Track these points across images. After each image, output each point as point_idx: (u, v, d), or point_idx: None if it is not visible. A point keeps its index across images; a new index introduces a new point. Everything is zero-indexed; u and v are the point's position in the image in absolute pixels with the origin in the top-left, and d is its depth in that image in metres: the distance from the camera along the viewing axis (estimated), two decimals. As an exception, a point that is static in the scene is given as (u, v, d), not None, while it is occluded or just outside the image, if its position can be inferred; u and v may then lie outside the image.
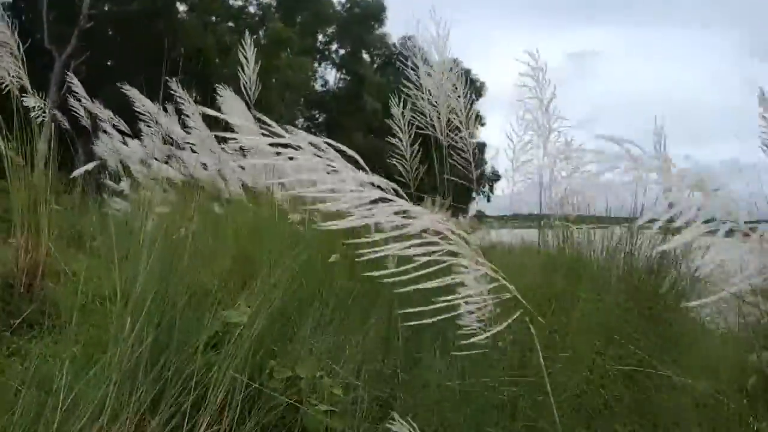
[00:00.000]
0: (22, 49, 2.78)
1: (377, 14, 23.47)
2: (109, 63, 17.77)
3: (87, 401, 1.63)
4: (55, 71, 12.35)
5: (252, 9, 22.57)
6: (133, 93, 4.50)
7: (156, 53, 18.50)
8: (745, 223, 0.67)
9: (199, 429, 1.69)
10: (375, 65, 25.26)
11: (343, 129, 19.04)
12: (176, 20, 16.73)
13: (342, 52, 24.38)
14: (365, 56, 24.78)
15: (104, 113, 4.88)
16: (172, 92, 4.10)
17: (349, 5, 23.43)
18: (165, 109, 4.55)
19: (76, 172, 3.99)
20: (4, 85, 2.72)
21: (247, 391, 1.83)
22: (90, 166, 4.18)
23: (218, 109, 4.06)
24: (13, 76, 2.70)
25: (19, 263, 2.78)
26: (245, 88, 3.80)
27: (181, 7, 18.13)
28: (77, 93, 3.38)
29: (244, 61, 3.87)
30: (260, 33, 21.38)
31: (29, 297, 2.79)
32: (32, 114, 2.78)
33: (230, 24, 19.99)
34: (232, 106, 4.33)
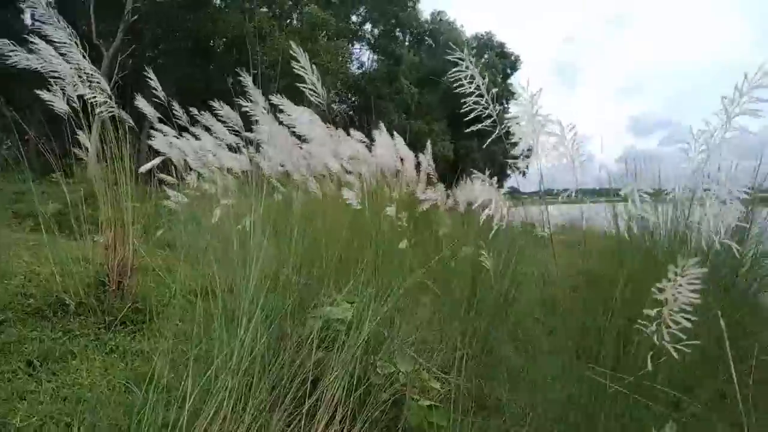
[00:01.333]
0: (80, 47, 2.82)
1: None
2: (148, 55, 18.07)
3: (210, 401, 1.67)
4: (103, 66, 12.65)
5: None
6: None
7: (196, 43, 18.85)
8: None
9: (318, 427, 1.71)
10: (406, 43, 24.92)
11: (381, 112, 18.91)
12: (214, 9, 16.87)
13: (375, 31, 24.18)
14: (398, 35, 24.54)
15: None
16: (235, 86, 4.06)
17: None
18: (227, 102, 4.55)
19: (144, 168, 4.07)
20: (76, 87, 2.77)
21: (357, 388, 1.84)
22: (157, 161, 4.27)
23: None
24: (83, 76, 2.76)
25: (108, 261, 2.86)
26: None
27: (217, -3, 18.31)
28: (156, 90, 3.40)
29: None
30: (294, 17, 21.41)
31: (120, 294, 2.87)
32: (98, 110, 2.82)
33: (263, 9, 20.04)
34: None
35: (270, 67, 14.60)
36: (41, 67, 2.69)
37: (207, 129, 5.37)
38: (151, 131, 4.89)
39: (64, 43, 2.74)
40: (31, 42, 2.73)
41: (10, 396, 2.02)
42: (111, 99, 2.93)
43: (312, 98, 2.29)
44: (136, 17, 13.51)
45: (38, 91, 2.84)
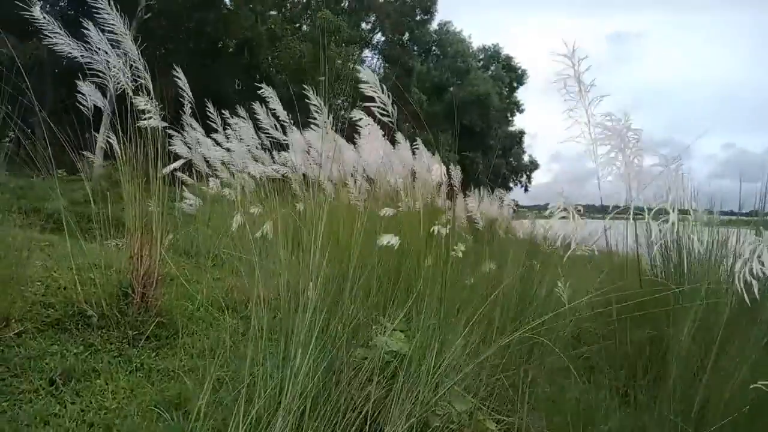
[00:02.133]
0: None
1: (428, 7, 23.18)
2: (157, 53, 17.94)
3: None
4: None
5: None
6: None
7: (206, 44, 18.72)
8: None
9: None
10: (414, 53, 24.88)
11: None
12: (226, 11, 16.74)
13: (382, 39, 24.13)
14: (408, 45, 24.48)
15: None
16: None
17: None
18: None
19: (166, 170, 3.90)
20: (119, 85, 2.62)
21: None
22: (178, 163, 4.12)
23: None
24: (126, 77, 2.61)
25: (134, 270, 2.70)
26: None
27: (228, -1, 18.18)
28: (183, 90, 3.25)
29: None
30: (302, 21, 21.31)
31: (144, 306, 2.71)
32: (144, 117, 2.67)
33: (272, 12, 19.94)
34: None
35: (280, 72, 14.51)
36: (81, 58, 2.54)
37: (225, 134, 5.24)
38: (172, 132, 4.75)
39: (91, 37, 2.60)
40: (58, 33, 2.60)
41: (32, 420, 1.86)
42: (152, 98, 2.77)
43: (383, 118, 2.13)
44: (149, 15, 13.38)
45: (80, 83, 2.69)
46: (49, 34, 2.56)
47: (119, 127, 2.75)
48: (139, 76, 2.61)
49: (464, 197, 5.41)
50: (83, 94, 2.98)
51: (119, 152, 2.78)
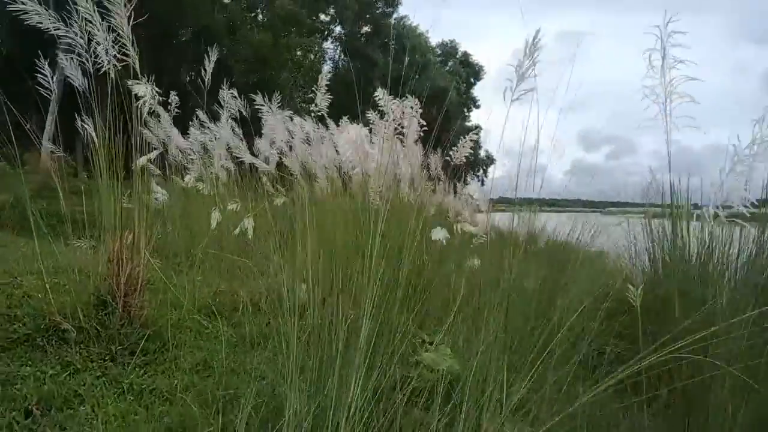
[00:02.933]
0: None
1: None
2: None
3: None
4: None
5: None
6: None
7: (160, 32, 17.72)
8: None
9: None
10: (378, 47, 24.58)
11: (352, 114, 18.42)
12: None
13: (343, 31, 23.63)
14: (367, 38, 24.10)
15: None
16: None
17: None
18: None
19: (142, 160, 3.52)
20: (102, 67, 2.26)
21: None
22: (153, 155, 3.73)
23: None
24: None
25: (114, 277, 2.35)
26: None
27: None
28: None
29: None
30: (259, 11, 20.58)
31: (127, 316, 2.37)
32: (138, 103, 2.32)
33: (226, 1, 19.16)
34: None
35: (240, 62, 13.90)
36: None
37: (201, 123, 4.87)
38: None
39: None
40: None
41: (9, 464, 1.52)
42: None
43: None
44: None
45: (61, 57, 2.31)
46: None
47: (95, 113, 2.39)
48: (126, 54, 2.25)
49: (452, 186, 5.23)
50: (44, 74, 2.61)
51: (95, 140, 2.41)
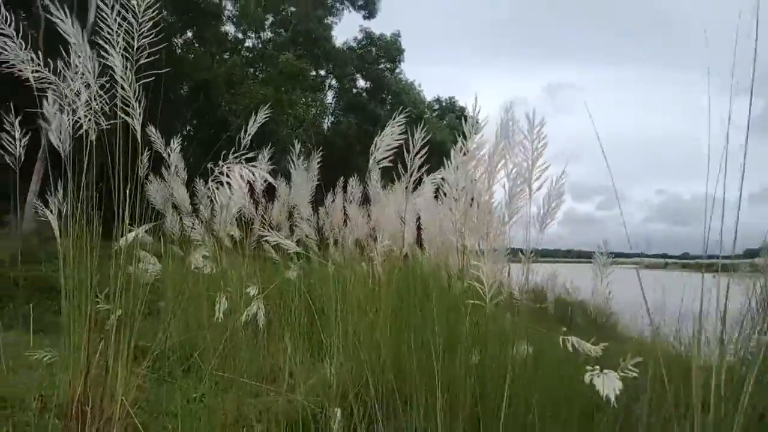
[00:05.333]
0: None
1: (395, 57, 23.21)
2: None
3: None
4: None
5: (249, 43, 21.73)
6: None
7: (158, 86, 17.32)
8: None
9: None
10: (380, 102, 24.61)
11: (352, 169, 18.04)
12: (177, 52, 15.63)
13: (335, 84, 23.60)
14: (364, 93, 24.01)
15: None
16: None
17: (364, 43, 23.22)
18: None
19: (130, 236, 2.86)
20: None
21: None
22: (145, 228, 3.07)
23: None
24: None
25: (76, 412, 1.65)
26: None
27: (180, 40, 17.07)
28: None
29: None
30: (257, 66, 20.42)
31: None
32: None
33: (226, 56, 19.02)
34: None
35: (238, 116, 13.47)
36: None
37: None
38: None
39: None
40: None
41: None
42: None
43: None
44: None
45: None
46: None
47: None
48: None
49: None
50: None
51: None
